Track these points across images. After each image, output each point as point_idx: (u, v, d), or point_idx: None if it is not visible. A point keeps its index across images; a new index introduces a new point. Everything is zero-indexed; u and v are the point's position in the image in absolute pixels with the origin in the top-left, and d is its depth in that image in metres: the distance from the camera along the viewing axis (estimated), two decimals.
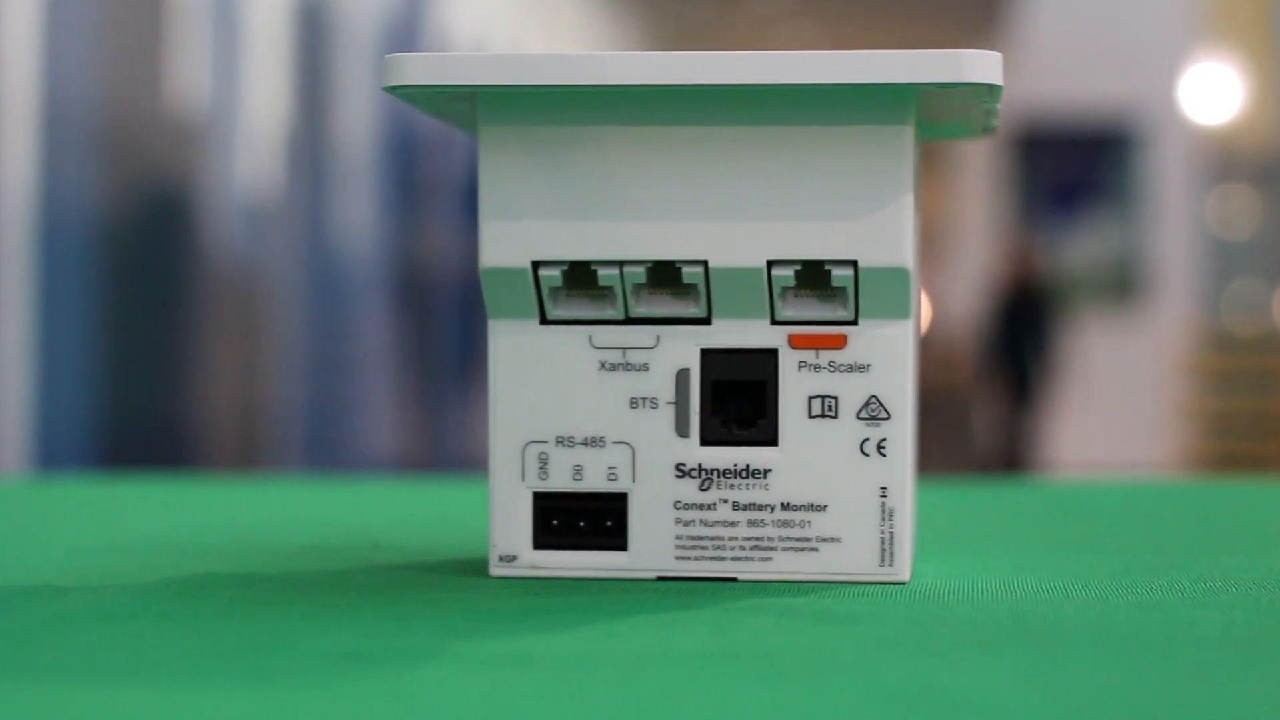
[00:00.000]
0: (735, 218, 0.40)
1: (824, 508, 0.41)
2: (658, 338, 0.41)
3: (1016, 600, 0.38)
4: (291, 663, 0.31)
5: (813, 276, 0.41)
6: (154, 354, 2.28)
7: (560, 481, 0.42)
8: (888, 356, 0.41)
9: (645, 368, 0.41)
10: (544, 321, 0.42)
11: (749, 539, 0.41)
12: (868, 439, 0.41)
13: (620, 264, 0.41)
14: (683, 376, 0.41)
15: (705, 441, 0.41)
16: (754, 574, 0.41)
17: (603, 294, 0.41)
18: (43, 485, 0.83)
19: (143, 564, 0.45)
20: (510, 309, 0.42)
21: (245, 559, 0.45)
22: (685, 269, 0.41)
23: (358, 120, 3.10)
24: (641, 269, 0.41)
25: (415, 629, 0.35)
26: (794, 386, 0.41)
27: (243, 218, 2.57)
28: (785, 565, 0.41)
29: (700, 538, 0.41)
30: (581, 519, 0.42)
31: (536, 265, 0.41)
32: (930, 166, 6.41)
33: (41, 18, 1.93)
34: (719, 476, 0.41)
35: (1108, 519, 0.61)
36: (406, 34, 3.36)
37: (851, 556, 0.41)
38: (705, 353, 0.41)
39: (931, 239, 6.74)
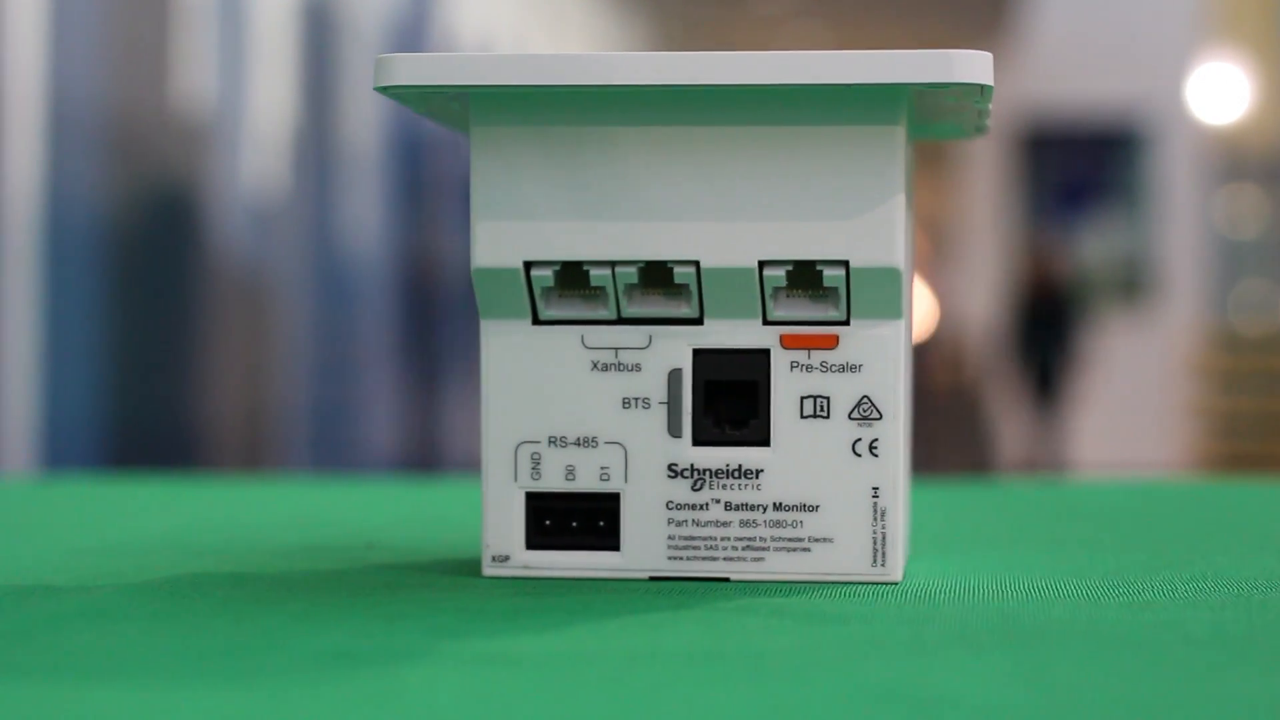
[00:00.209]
0: (727, 218, 0.40)
1: (816, 508, 0.41)
2: (650, 338, 0.41)
3: (1007, 600, 0.38)
4: (277, 662, 0.31)
5: (804, 277, 0.41)
6: (160, 354, 2.29)
7: (553, 482, 0.42)
8: (880, 357, 0.41)
9: (637, 368, 0.41)
10: (536, 321, 0.42)
11: (741, 539, 0.41)
12: (860, 439, 0.41)
13: (612, 264, 0.41)
14: (675, 376, 0.41)
15: (697, 442, 0.41)
16: (746, 574, 0.41)
17: (595, 294, 0.41)
18: (46, 485, 0.83)
19: (137, 564, 0.45)
20: (502, 309, 0.42)
21: (240, 558, 0.46)
22: (677, 269, 0.41)
23: (364, 120, 3.10)
24: (633, 269, 0.41)
25: (404, 629, 0.35)
26: (786, 387, 0.41)
27: (248, 218, 2.57)
28: (777, 565, 0.41)
29: (693, 538, 0.41)
30: (574, 519, 0.42)
31: (529, 265, 0.41)
32: (937, 166, 6.41)
33: (47, 17, 1.93)
34: (711, 477, 0.41)
35: (1106, 519, 0.61)
36: (412, 34, 3.37)
37: (843, 557, 0.41)
38: (697, 353, 0.41)
39: (939, 239, 6.73)
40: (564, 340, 0.42)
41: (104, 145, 2.10)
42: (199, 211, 2.42)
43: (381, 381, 3.26)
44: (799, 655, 0.32)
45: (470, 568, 0.43)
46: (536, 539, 0.42)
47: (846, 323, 0.41)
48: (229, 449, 2.49)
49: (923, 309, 4.94)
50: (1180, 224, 5.38)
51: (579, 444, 0.42)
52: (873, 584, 0.41)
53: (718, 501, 0.41)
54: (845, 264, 0.40)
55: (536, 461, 0.42)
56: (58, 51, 1.96)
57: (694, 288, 0.41)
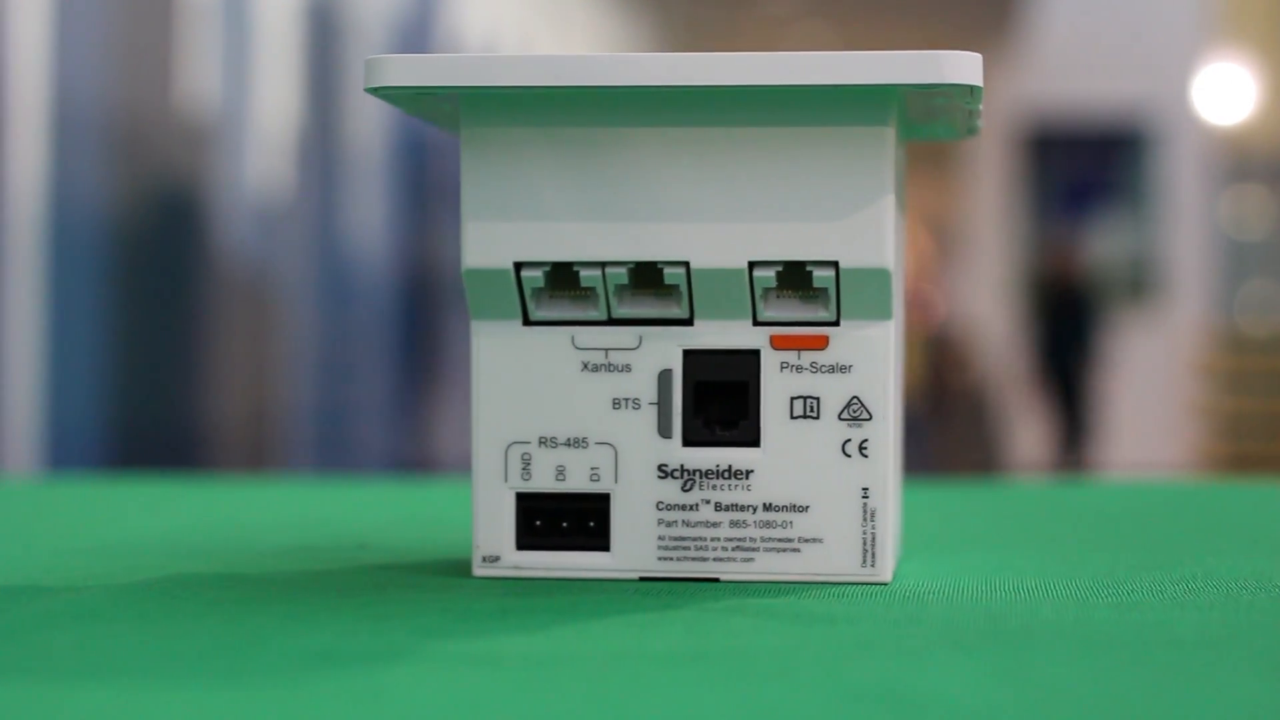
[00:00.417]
0: (717, 219, 0.40)
1: (806, 508, 0.41)
2: (640, 338, 0.41)
3: (995, 600, 0.38)
4: (261, 663, 0.31)
5: (794, 277, 0.41)
6: (163, 354, 2.29)
7: (543, 482, 0.42)
8: (869, 357, 0.41)
9: (627, 368, 0.41)
10: (527, 322, 0.42)
11: (731, 540, 0.41)
12: (849, 440, 0.41)
13: (602, 265, 0.41)
14: (665, 377, 0.41)
15: (687, 442, 0.41)
16: (736, 575, 0.41)
17: (585, 295, 0.41)
18: (46, 486, 0.84)
19: (129, 564, 0.45)
20: (493, 310, 0.42)
21: (232, 559, 0.46)
22: (667, 270, 0.41)
23: (368, 121, 3.10)
24: (624, 270, 0.41)
25: (391, 629, 0.35)
26: (776, 387, 0.41)
27: (252, 219, 2.58)
28: (767, 566, 0.41)
29: (683, 538, 0.41)
30: (564, 519, 0.42)
31: (519, 266, 0.41)
32: (943, 167, 6.40)
33: (51, 18, 1.93)
34: (701, 477, 0.41)
35: (1103, 520, 0.61)
36: (417, 35, 3.37)
37: (833, 557, 0.41)
38: (687, 353, 0.41)
39: (945, 239, 6.73)
40: (554, 341, 0.42)
41: (108, 146, 2.10)
42: (203, 212, 2.42)
43: (385, 382, 3.27)
44: (783, 656, 0.32)
45: (461, 568, 0.43)
46: (527, 539, 0.42)
47: (836, 323, 0.41)
48: (233, 450, 2.50)
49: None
50: (1186, 225, 5.38)
51: (569, 444, 0.42)
52: (862, 584, 0.41)
53: (708, 502, 0.41)
54: (835, 265, 0.40)
55: (527, 462, 0.42)
56: (62, 52, 1.96)
57: (684, 288, 0.41)
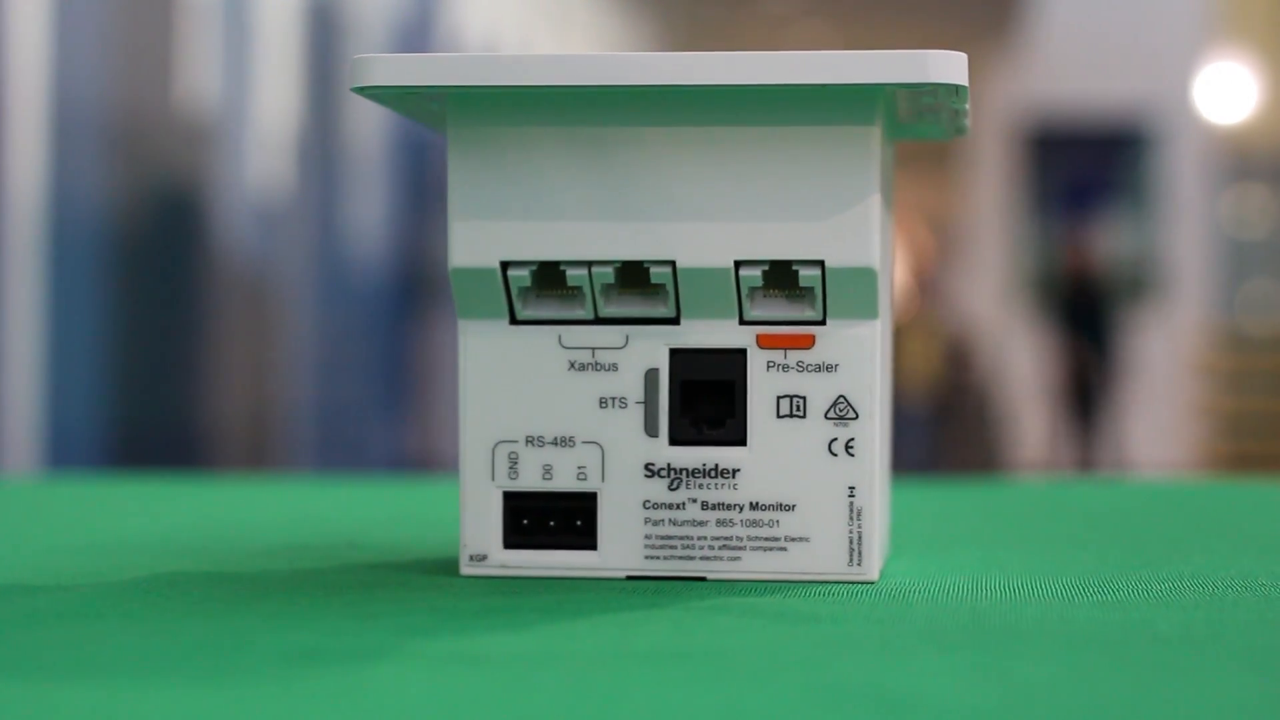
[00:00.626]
0: (703, 218, 0.41)
1: (792, 507, 0.41)
2: (626, 338, 0.41)
3: (980, 599, 0.38)
4: (244, 661, 0.31)
5: (780, 276, 0.41)
6: (164, 353, 2.29)
7: (530, 481, 0.42)
8: (856, 356, 0.41)
9: (614, 368, 0.41)
10: (513, 321, 0.42)
11: (718, 539, 0.41)
12: (836, 439, 0.41)
13: (589, 264, 0.41)
14: (651, 376, 0.41)
15: (674, 441, 0.41)
16: (723, 573, 0.41)
17: (572, 294, 0.41)
18: (44, 485, 0.84)
19: (118, 563, 0.45)
20: (480, 309, 0.42)
21: (221, 558, 0.46)
22: (653, 269, 0.41)
23: (368, 121, 3.10)
24: (610, 269, 0.41)
25: (375, 627, 0.35)
26: (762, 386, 0.41)
27: (253, 218, 2.58)
28: (754, 565, 0.41)
29: (669, 537, 0.41)
30: (551, 518, 0.42)
31: (505, 265, 0.41)
32: (944, 166, 6.40)
33: (51, 17, 1.93)
34: (688, 476, 0.41)
35: (1095, 519, 0.61)
36: (418, 35, 3.37)
37: (820, 556, 0.41)
38: (674, 352, 0.41)
39: (946, 238, 6.73)
40: (541, 340, 0.42)
41: (109, 145, 2.10)
42: (203, 211, 2.42)
43: (384, 380, 3.27)
44: (766, 655, 0.32)
45: (449, 567, 0.43)
46: (514, 538, 0.42)
47: (823, 322, 0.41)
48: (233, 449, 2.50)
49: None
50: (1187, 224, 5.38)
51: (556, 443, 0.42)
52: (848, 583, 0.41)
53: (694, 501, 0.41)
54: (821, 264, 0.40)
55: (514, 461, 0.42)
56: (63, 52, 1.96)
57: (670, 288, 0.41)
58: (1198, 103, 5.42)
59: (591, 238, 0.41)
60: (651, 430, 0.41)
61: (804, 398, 0.41)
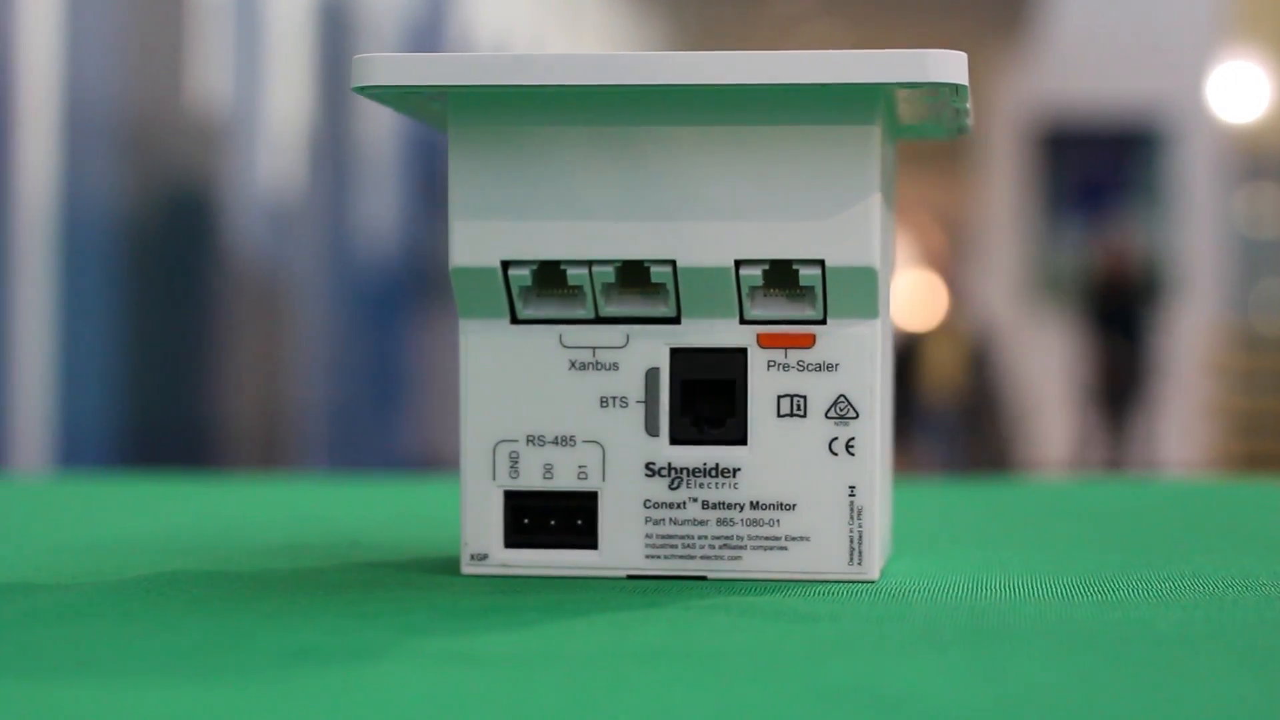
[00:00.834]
0: (703, 217, 0.41)
1: (793, 507, 0.41)
2: (627, 337, 0.41)
3: (979, 598, 0.38)
4: (243, 660, 0.31)
5: (781, 276, 0.41)
6: (175, 353, 2.29)
7: (531, 480, 0.42)
8: (856, 356, 0.41)
9: (615, 367, 0.41)
10: (514, 321, 0.42)
11: (718, 538, 0.41)
12: (836, 438, 0.41)
13: (589, 264, 0.41)
14: (652, 376, 0.41)
15: (675, 440, 0.41)
16: (723, 573, 0.41)
17: (572, 293, 0.42)
18: (55, 484, 0.84)
19: (121, 562, 0.45)
20: (481, 308, 0.42)
21: (223, 557, 0.46)
22: (654, 268, 0.41)
23: (380, 120, 3.10)
24: (610, 268, 0.41)
25: (374, 626, 0.35)
26: (763, 386, 0.41)
27: (264, 218, 2.58)
28: (754, 564, 0.41)
29: (670, 536, 0.41)
30: (552, 518, 0.42)
31: (506, 265, 0.41)
32: (956, 165, 6.40)
33: (63, 18, 1.94)
34: (688, 475, 0.41)
35: (1098, 518, 0.61)
36: (429, 34, 3.37)
37: (820, 555, 0.41)
38: (674, 352, 0.41)
39: (958, 237, 6.72)
40: (542, 339, 0.42)
41: (120, 145, 2.11)
42: (214, 211, 2.43)
43: (397, 380, 3.27)
44: (762, 654, 0.32)
45: (451, 566, 0.43)
46: (515, 537, 0.42)
47: (823, 322, 0.41)
48: (244, 448, 2.50)
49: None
50: (1200, 223, 5.37)
51: (557, 443, 0.42)
52: (849, 582, 0.41)
53: (695, 500, 0.41)
54: (821, 263, 0.40)
55: (515, 460, 0.42)
56: (74, 52, 1.97)
57: (671, 287, 0.41)
58: (1211, 102, 5.41)
59: (592, 237, 0.41)
60: (652, 430, 0.41)
61: (804, 397, 0.41)
